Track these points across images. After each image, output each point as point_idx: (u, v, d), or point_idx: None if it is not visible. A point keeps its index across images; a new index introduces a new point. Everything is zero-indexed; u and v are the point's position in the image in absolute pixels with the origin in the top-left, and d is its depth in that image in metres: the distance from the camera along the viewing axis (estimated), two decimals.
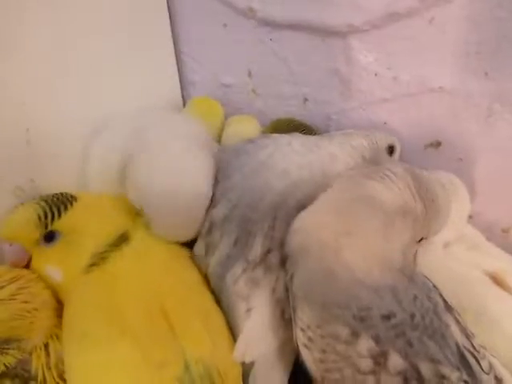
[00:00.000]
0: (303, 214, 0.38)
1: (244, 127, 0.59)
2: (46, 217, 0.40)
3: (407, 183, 0.36)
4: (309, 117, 0.61)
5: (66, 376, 0.37)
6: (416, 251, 0.38)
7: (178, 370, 0.35)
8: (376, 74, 0.54)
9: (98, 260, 0.40)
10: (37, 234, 0.40)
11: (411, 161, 0.52)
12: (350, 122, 0.59)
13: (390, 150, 0.52)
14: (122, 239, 0.42)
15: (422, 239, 0.38)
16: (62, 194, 0.43)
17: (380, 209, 0.35)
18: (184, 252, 0.45)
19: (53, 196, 0.43)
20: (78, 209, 0.42)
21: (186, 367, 0.35)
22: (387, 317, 0.33)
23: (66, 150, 0.49)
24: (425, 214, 0.36)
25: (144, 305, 0.38)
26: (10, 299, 0.37)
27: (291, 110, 0.62)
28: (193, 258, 0.45)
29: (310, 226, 0.37)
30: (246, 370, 0.39)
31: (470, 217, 0.55)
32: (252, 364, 0.39)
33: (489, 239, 0.51)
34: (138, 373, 0.35)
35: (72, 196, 0.43)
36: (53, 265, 0.41)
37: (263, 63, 0.61)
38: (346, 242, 0.35)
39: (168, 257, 0.43)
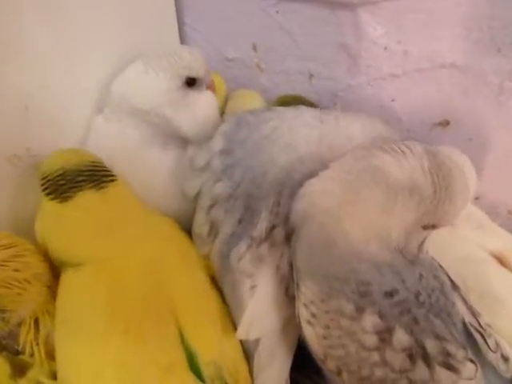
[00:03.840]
0: (311, 181, 0.37)
1: (248, 102, 0.57)
2: (44, 183, 0.40)
3: (421, 163, 0.35)
4: (314, 93, 0.59)
5: (57, 368, 0.35)
6: (424, 238, 0.37)
7: (187, 373, 0.34)
8: (385, 48, 0.53)
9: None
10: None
11: (418, 140, 0.50)
12: (356, 98, 0.57)
13: None
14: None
15: (431, 226, 0.37)
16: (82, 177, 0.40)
17: (385, 181, 0.34)
18: (193, 253, 0.44)
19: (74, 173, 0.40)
20: (61, 209, 0.39)
21: (197, 370, 0.35)
22: (390, 293, 0.33)
23: (65, 118, 0.47)
24: (433, 199, 0.35)
25: (151, 307, 0.37)
26: (1, 265, 0.36)
27: (296, 86, 0.61)
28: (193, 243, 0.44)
29: (315, 192, 0.36)
30: (251, 349, 0.39)
31: (477, 198, 0.54)
32: (257, 343, 0.38)
33: (494, 220, 0.50)
34: (143, 376, 0.34)
35: (72, 193, 0.39)
36: None
37: (268, 36, 0.60)
38: (348, 210, 0.34)
39: (178, 258, 0.42)
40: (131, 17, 0.54)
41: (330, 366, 0.34)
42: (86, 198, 0.39)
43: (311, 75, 0.60)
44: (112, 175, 0.42)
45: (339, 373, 0.34)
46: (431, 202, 0.35)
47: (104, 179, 0.41)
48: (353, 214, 0.34)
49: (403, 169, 0.35)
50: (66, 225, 0.39)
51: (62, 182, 0.39)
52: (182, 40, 0.65)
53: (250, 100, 0.59)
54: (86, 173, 0.40)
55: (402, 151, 0.35)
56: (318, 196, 0.36)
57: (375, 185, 0.34)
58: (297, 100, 0.57)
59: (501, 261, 0.44)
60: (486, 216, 0.50)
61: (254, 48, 0.62)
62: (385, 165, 0.35)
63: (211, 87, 0.51)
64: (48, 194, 0.39)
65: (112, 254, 0.39)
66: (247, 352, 0.39)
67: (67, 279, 0.38)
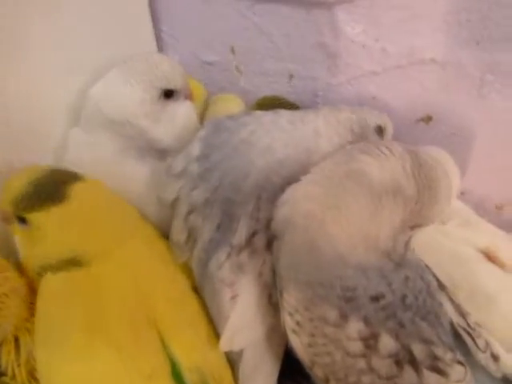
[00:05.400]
0: (293, 186, 0.36)
1: (228, 106, 0.57)
2: (23, 202, 0.37)
3: (403, 164, 0.35)
4: (295, 94, 0.59)
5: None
6: (409, 238, 0.37)
7: (169, 381, 0.34)
8: (364, 46, 0.52)
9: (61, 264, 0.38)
10: (12, 209, 0.38)
11: (401, 136, 0.50)
12: (337, 97, 0.57)
13: (379, 130, 0.48)
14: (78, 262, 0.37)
15: (415, 226, 0.37)
16: (62, 180, 0.39)
17: (368, 185, 0.34)
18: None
19: (50, 179, 0.39)
20: (61, 210, 0.38)
21: (179, 377, 0.34)
22: (375, 298, 0.32)
23: (43, 130, 0.46)
24: (417, 200, 0.35)
25: (131, 313, 0.36)
26: None
27: (276, 87, 0.60)
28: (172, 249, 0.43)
29: (297, 197, 0.35)
30: (236, 359, 0.38)
31: (462, 193, 0.54)
32: (241, 353, 0.38)
33: (482, 216, 0.49)
34: None
35: (66, 190, 0.38)
36: (17, 242, 0.39)
37: (246, 39, 0.59)
38: (332, 215, 0.34)
39: (158, 262, 0.41)
40: (107, 26, 0.53)
41: (317, 374, 0.34)
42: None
43: (291, 76, 0.59)
44: (75, 174, 0.41)
45: (327, 380, 0.33)
46: (416, 203, 0.35)
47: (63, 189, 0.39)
48: (337, 219, 0.34)
49: (385, 171, 0.35)
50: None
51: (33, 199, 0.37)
52: (160, 47, 0.64)
53: (231, 104, 0.58)
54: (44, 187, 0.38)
55: (383, 153, 0.35)
56: (301, 201, 0.35)
57: (358, 189, 0.34)
58: (277, 101, 0.56)
59: (488, 256, 0.43)
60: (472, 211, 0.50)
61: (233, 51, 0.61)
62: (366, 168, 0.34)
63: (190, 97, 0.51)
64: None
65: (96, 251, 0.38)
66: (231, 362, 0.38)
67: (46, 286, 0.37)
